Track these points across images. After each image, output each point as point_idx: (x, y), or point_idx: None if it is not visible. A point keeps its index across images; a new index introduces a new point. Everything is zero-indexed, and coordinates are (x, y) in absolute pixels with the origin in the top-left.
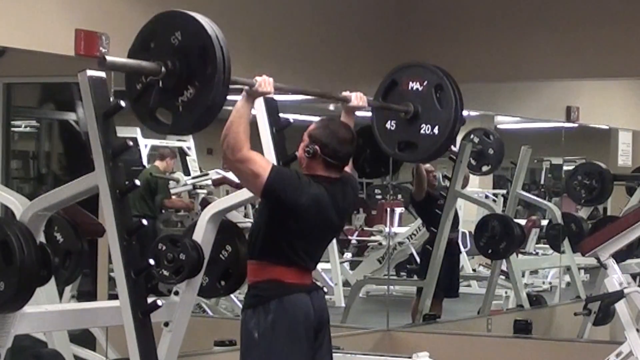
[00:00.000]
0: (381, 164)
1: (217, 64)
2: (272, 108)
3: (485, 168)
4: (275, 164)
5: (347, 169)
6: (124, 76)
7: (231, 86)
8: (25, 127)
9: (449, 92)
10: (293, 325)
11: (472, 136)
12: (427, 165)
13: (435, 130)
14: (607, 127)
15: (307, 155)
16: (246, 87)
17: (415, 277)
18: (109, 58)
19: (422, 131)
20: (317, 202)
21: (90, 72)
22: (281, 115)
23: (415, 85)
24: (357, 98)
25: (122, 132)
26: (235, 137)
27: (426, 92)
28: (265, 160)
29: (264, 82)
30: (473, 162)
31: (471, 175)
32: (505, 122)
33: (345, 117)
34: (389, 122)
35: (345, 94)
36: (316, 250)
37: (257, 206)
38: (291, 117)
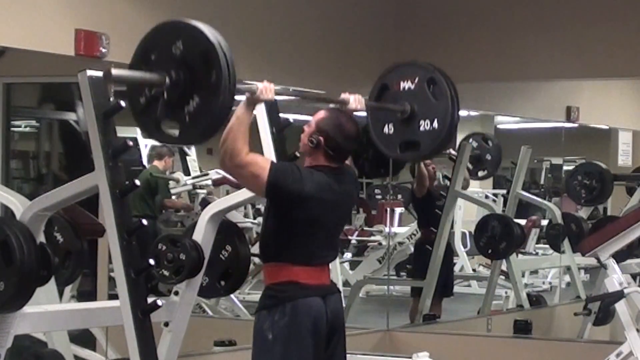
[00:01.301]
0: (381, 165)
1: (221, 70)
2: (272, 108)
3: (481, 173)
4: (274, 160)
5: (347, 161)
6: (126, 90)
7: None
8: (25, 127)
9: (442, 83)
10: (306, 329)
11: (470, 140)
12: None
13: (435, 124)
14: (607, 127)
15: (310, 144)
16: (247, 94)
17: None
18: (114, 71)
19: (421, 128)
20: (320, 188)
21: (90, 72)
22: (281, 115)
23: (406, 85)
24: (355, 100)
25: (122, 132)
26: (233, 145)
27: (419, 88)
28: (263, 159)
29: (266, 89)
30: (470, 166)
31: (468, 139)
32: (505, 122)
33: None
34: (386, 126)
35: (344, 96)
36: (328, 240)
37: (257, 206)
38: (291, 117)
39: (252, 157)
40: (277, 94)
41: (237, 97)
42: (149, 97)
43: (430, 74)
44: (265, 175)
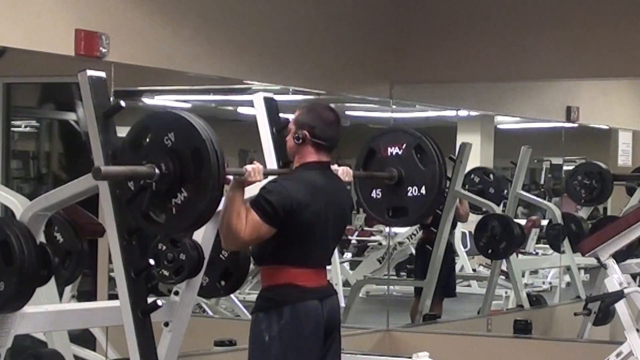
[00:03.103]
0: None
1: (211, 169)
2: (272, 108)
3: (485, 208)
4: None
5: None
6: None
7: (234, 86)
8: (25, 127)
9: (430, 150)
10: (304, 333)
11: (472, 176)
12: None
13: (423, 191)
14: (607, 127)
15: (296, 141)
16: (236, 177)
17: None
18: (103, 168)
19: (409, 194)
20: (312, 191)
21: (90, 72)
22: (281, 115)
23: (394, 150)
24: (343, 173)
25: (122, 132)
26: (229, 227)
27: (407, 154)
28: (252, 215)
29: (254, 171)
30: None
31: (470, 175)
32: (505, 122)
33: None
34: (373, 191)
35: (333, 167)
36: (326, 241)
37: None
38: (291, 117)
39: (249, 225)
40: (265, 175)
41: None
42: (138, 186)
43: (417, 140)
44: (268, 224)
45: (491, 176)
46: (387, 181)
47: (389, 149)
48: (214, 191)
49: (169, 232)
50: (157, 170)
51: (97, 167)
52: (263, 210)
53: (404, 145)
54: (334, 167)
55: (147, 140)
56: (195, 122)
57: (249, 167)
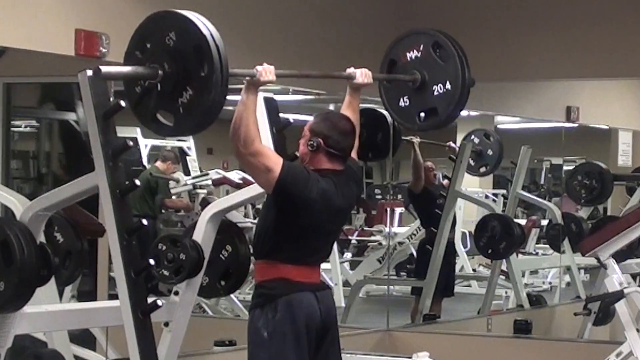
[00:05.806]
0: (370, 149)
1: (213, 64)
2: (272, 108)
3: (483, 169)
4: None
5: (353, 154)
6: (123, 81)
7: (232, 86)
8: (25, 127)
9: (448, 45)
10: (299, 325)
11: (472, 137)
12: (428, 163)
13: (448, 86)
14: (607, 127)
15: (310, 149)
16: (247, 78)
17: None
18: (103, 69)
19: (435, 93)
20: (325, 196)
21: (90, 72)
22: (281, 115)
23: (413, 54)
24: (362, 74)
25: (122, 132)
26: (246, 131)
27: (426, 54)
28: (276, 155)
29: (265, 71)
30: (472, 162)
31: (470, 176)
32: (505, 122)
33: (351, 95)
34: (401, 99)
35: (350, 70)
36: (325, 245)
37: (257, 206)
38: (291, 117)
39: (265, 149)
40: (278, 76)
41: (239, 86)
42: (143, 88)
43: (434, 38)
44: (277, 172)
45: (491, 139)
46: (410, 84)
47: (408, 54)
48: (218, 86)
49: (179, 133)
50: (160, 72)
51: (97, 67)
52: (285, 162)
53: (422, 46)
54: (350, 69)
55: (150, 42)
56: (196, 18)
57: (259, 67)
